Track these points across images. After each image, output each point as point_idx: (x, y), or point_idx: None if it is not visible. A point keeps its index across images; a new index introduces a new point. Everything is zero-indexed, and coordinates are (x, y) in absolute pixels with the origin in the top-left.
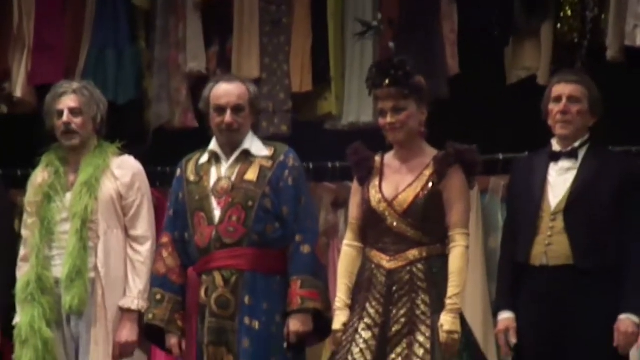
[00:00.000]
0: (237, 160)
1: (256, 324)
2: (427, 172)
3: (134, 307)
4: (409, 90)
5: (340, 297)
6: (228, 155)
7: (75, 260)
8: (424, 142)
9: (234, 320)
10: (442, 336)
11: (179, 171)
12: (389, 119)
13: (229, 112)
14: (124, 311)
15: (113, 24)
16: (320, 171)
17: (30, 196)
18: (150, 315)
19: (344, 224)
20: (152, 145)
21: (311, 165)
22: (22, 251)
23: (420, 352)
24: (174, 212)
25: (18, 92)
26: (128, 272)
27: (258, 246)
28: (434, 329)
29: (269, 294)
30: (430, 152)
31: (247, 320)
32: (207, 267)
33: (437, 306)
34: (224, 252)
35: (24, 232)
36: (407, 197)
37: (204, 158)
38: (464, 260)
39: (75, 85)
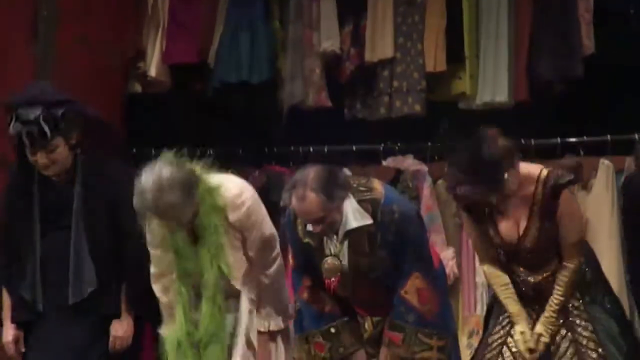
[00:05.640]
0: (343, 239)
1: None
2: (537, 208)
3: (262, 329)
4: None
5: (512, 307)
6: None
7: (210, 326)
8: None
9: None
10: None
11: (288, 215)
12: None
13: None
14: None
15: (247, 3)
16: None
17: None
18: None
19: None
20: (285, 125)
21: None
22: (155, 269)
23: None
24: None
25: (152, 72)
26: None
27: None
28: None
29: None
30: (531, 178)
31: None
32: None
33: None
34: None
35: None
36: (528, 240)
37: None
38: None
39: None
